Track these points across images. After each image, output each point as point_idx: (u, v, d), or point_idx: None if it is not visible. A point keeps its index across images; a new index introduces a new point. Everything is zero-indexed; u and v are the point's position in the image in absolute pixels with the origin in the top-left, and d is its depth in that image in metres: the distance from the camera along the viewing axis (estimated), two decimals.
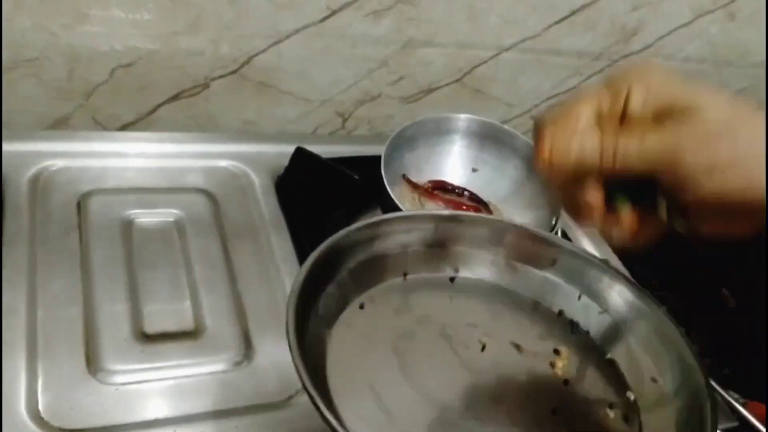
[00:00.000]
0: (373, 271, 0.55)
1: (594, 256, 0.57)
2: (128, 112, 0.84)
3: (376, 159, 0.79)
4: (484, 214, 0.59)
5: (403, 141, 0.73)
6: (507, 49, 0.93)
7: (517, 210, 0.77)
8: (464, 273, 0.58)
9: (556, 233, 0.68)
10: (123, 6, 0.76)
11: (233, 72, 0.84)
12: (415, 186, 0.77)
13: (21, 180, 0.69)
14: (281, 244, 0.71)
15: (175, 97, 0.84)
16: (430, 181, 0.78)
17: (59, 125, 0.82)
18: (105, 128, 0.84)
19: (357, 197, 0.76)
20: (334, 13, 0.82)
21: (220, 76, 0.84)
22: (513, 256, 0.59)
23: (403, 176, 0.77)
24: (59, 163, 0.72)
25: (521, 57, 0.94)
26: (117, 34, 0.77)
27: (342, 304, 0.52)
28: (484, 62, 0.93)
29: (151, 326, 0.60)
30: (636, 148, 0.39)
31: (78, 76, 0.79)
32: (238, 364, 0.60)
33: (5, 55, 0.75)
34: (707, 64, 1.04)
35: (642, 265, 0.95)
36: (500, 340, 0.54)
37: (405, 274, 0.57)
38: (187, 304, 0.63)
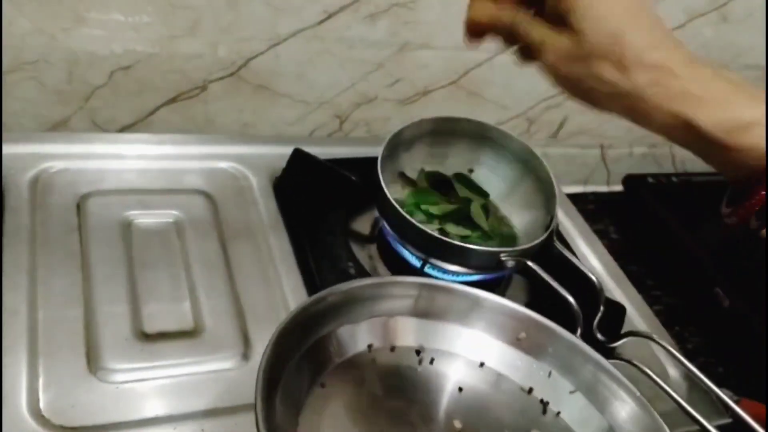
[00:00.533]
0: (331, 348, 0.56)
1: (592, 351, 0.58)
2: (127, 114, 0.84)
3: (373, 160, 0.80)
4: (470, 289, 0.60)
5: (400, 142, 0.73)
6: (502, 52, 0.94)
7: (514, 209, 0.77)
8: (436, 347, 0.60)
9: (552, 232, 0.69)
10: (122, 9, 0.76)
11: (231, 74, 0.85)
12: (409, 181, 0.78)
13: (21, 181, 0.70)
14: (279, 244, 0.72)
15: (173, 100, 0.85)
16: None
17: (59, 127, 0.83)
18: (104, 130, 0.85)
19: (354, 198, 0.77)
20: (331, 16, 0.83)
21: (218, 79, 0.85)
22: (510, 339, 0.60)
23: (400, 174, 0.77)
24: (59, 164, 0.72)
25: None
26: (116, 37, 0.78)
27: (305, 388, 0.53)
28: (480, 65, 0.94)
29: (151, 326, 0.61)
30: None
31: (77, 78, 0.80)
32: (236, 362, 0.61)
33: (6, 58, 0.76)
34: None
35: (637, 266, 0.96)
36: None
37: (370, 346, 0.58)
38: (187, 303, 0.64)
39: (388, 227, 0.69)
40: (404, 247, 0.69)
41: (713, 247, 0.96)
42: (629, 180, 1.06)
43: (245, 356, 0.61)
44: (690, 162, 1.20)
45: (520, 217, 0.77)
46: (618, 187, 1.08)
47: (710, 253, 0.94)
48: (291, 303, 0.66)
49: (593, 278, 0.68)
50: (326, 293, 0.55)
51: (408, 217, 0.66)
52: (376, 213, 0.77)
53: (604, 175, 1.15)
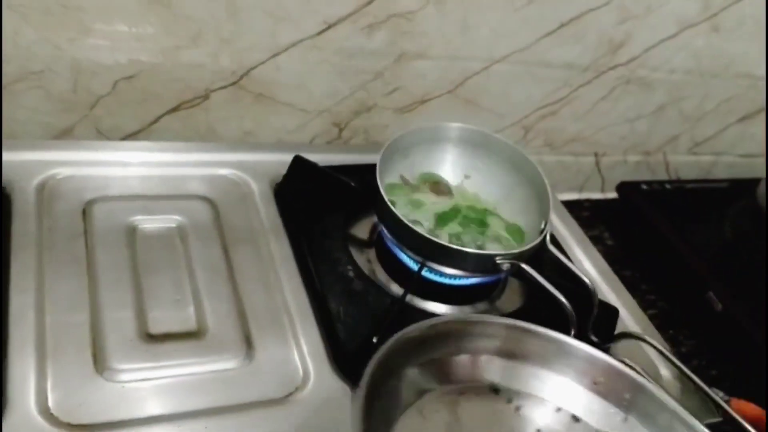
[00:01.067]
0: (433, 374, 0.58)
1: (669, 398, 0.59)
2: (130, 122, 0.86)
3: (371, 167, 0.82)
4: (555, 333, 0.61)
5: (398, 149, 0.75)
6: (498, 61, 0.96)
7: (509, 214, 0.79)
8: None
9: (545, 236, 0.71)
10: (127, 21, 0.78)
11: (233, 84, 0.86)
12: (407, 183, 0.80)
13: (28, 188, 0.71)
14: (280, 249, 0.73)
15: (175, 108, 0.86)
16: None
17: (63, 135, 0.84)
18: (108, 138, 0.86)
19: (353, 204, 0.78)
20: (330, 26, 0.85)
21: (220, 88, 0.86)
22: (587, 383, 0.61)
23: (401, 177, 0.79)
24: (65, 171, 0.74)
25: (512, 69, 0.97)
26: (120, 47, 0.80)
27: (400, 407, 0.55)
28: (476, 74, 0.96)
29: (156, 327, 0.62)
30: None
31: (82, 88, 0.82)
32: (239, 363, 0.62)
33: (12, 67, 0.78)
34: (692, 75, 1.07)
35: (631, 270, 0.98)
36: None
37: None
38: (190, 306, 0.65)
39: (386, 231, 0.71)
40: (402, 251, 0.71)
41: (706, 253, 0.97)
42: (623, 187, 1.08)
43: (247, 357, 0.63)
44: (683, 170, 1.22)
45: (515, 222, 0.79)
46: (612, 194, 1.10)
47: (703, 258, 0.95)
48: (292, 306, 0.68)
49: (586, 280, 0.69)
50: (428, 323, 0.58)
51: (405, 220, 0.67)
52: (374, 218, 0.79)
53: (598, 182, 1.16)
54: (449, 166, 0.81)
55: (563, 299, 0.66)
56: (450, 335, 0.59)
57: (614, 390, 0.61)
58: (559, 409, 0.61)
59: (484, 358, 0.61)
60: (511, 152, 0.79)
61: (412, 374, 0.57)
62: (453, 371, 0.60)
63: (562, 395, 0.61)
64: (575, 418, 0.61)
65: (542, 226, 0.72)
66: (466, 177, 0.80)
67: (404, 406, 0.56)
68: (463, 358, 0.60)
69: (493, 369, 0.61)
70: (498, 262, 0.67)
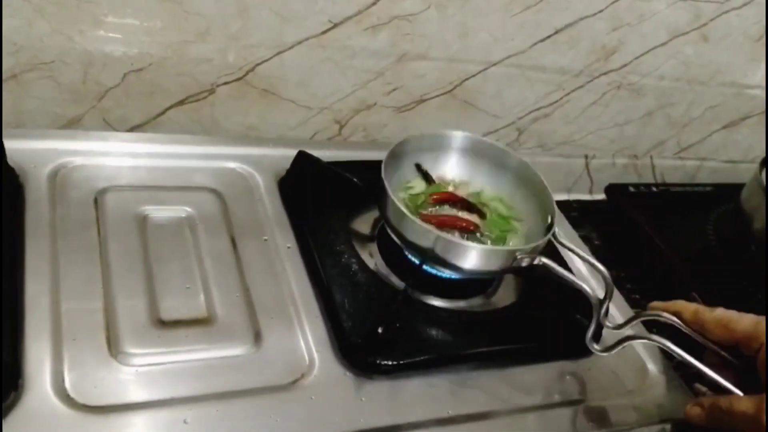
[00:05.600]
0: None
1: None
2: (137, 114, 0.88)
3: (370, 163, 0.84)
4: None
5: (403, 152, 0.78)
6: (495, 64, 0.99)
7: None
8: None
9: (554, 230, 0.74)
10: (138, 15, 0.80)
11: (238, 79, 0.88)
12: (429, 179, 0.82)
13: (41, 176, 0.73)
14: (285, 240, 0.76)
15: (182, 102, 0.88)
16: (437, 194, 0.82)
17: (71, 125, 0.86)
18: (114, 129, 0.88)
19: (355, 198, 0.81)
20: (335, 26, 0.87)
21: (226, 83, 0.88)
22: None
23: (417, 165, 0.82)
24: (76, 160, 0.76)
25: (508, 72, 1.00)
26: (131, 40, 0.81)
27: None
28: (473, 76, 0.99)
29: (167, 314, 0.65)
30: None
31: (92, 79, 0.83)
32: (247, 350, 0.64)
33: (24, 57, 0.79)
34: (681, 82, 1.10)
35: (617, 270, 1.01)
36: None
37: None
38: (200, 294, 0.67)
39: (393, 230, 0.73)
40: (408, 250, 0.73)
41: (690, 254, 1.01)
42: (611, 189, 1.11)
43: (255, 344, 0.65)
44: (668, 174, 1.25)
45: (518, 224, 0.82)
46: (600, 196, 1.13)
47: (687, 259, 0.98)
48: (297, 296, 0.70)
49: (601, 268, 0.71)
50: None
51: (417, 221, 0.70)
52: (376, 214, 0.81)
53: (587, 184, 1.20)
54: (451, 171, 0.84)
55: (586, 287, 0.68)
56: None
57: None
58: None
59: None
60: (509, 158, 0.83)
61: None
62: None
63: None
64: None
65: (549, 220, 0.75)
66: (466, 183, 0.83)
67: None
68: None
69: None
70: (519, 257, 0.69)
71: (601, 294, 0.70)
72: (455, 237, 0.73)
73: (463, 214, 0.79)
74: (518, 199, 0.82)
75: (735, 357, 0.63)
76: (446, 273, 0.72)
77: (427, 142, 0.82)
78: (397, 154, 0.77)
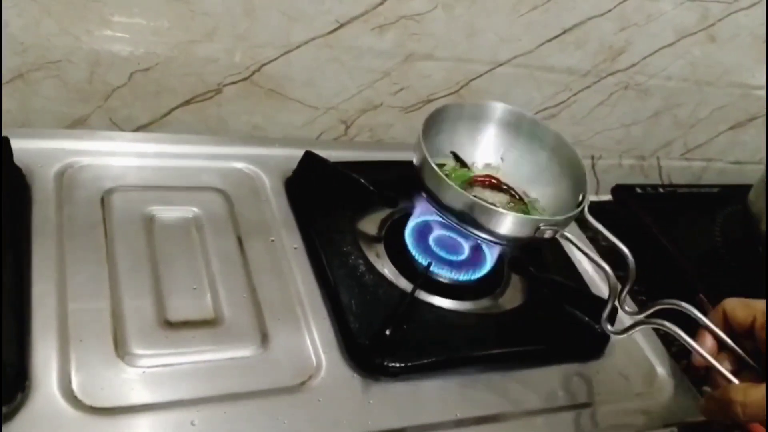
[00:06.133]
0: None
1: None
2: (144, 114, 0.88)
3: (377, 164, 0.84)
4: None
5: (437, 121, 0.77)
6: (502, 64, 0.98)
7: (541, 193, 0.82)
8: None
9: (584, 207, 0.73)
10: (145, 14, 0.80)
11: (245, 79, 0.88)
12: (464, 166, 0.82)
13: (47, 176, 0.73)
14: (292, 242, 0.76)
15: (188, 101, 0.88)
16: (487, 176, 0.82)
17: (78, 125, 0.86)
18: (121, 129, 0.88)
19: (361, 198, 0.81)
20: (342, 26, 0.87)
21: (233, 83, 0.88)
22: None
23: (453, 153, 0.82)
24: (83, 160, 0.76)
25: (515, 72, 1.00)
26: (138, 40, 0.81)
27: None
28: (480, 76, 0.99)
29: (174, 315, 0.64)
30: None
31: (98, 78, 0.83)
32: (254, 351, 0.64)
33: (31, 57, 0.79)
34: (688, 83, 1.10)
35: (624, 271, 1.01)
36: None
37: None
38: (207, 295, 0.67)
39: (427, 194, 0.72)
40: (441, 212, 0.72)
41: (697, 256, 1.00)
42: (618, 190, 1.10)
43: (262, 346, 0.65)
44: (675, 174, 1.25)
45: (547, 200, 0.81)
46: (607, 197, 1.12)
47: (694, 261, 0.98)
48: (304, 297, 0.70)
49: (625, 250, 0.70)
50: None
51: (448, 180, 0.69)
52: (383, 214, 0.81)
53: (593, 185, 1.19)
54: (484, 145, 0.83)
55: (607, 267, 0.67)
56: None
57: None
58: None
59: None
60: (544, 132, 0.82)
61: None
62: None
63: None
64: None
65: (579, 198, 0.74)
66: (502, 159, 0.83)
67: None
68: None
69: None
70: (542, 227, 0.68)
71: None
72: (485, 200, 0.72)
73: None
74: (549, 176, 0.81)
75: (751, 354, 0.62)
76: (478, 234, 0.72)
77: (465, 111, 0.81)
78: (435, 121, 0.76)
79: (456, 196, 0.69)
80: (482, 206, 0.69)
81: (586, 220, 0.74)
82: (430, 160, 0.70)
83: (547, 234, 0.69)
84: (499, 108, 0.82)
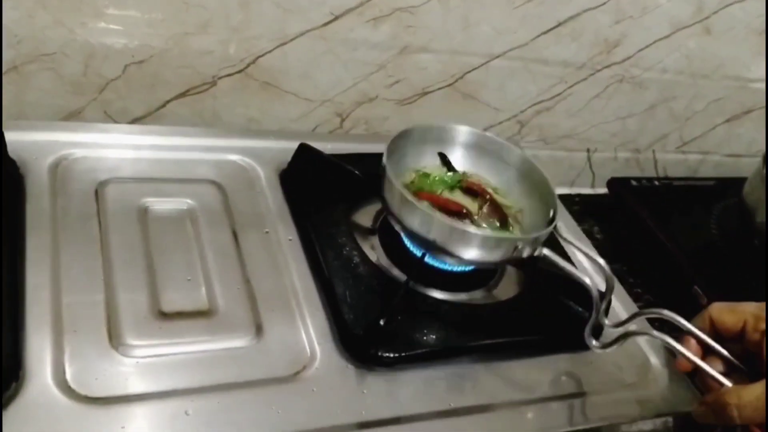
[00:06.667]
0: None
1: None
2: (138, 106, 0.88)
3: (372, 156, 0.84)
4: None
5: (406, 143, 0.77)
6: (497, 57, 0.98)
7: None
8: None
9: (555, 224, 0.73)
10: (139, 6, 0.80)
11: (240, 71, 0.88)
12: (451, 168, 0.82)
13: (41, 168, 0.73)
14: (287, 233, 0.76)
15: (183, 94, 0.88)
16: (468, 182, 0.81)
17: (72, 117, 0.86)
18: (115, 121, 0.88)
19: (357, 192, 0.81)
20: (336, 18, 0.87)
21: (227, 75, 0.88)
22: None
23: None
24: (77, 152, 0.76)
25: (510, 65, 1.00)
26: (132, 32, 0.81)
27: None
28: (475, 69, 0.99)
29: (168, 306, 0.64)
30: None
31: (93, 71, 0.83)
32: (248, 342, 0.64)
33: (26, 49, 0.79)
34: (684, 75, 1.10)
35: (619, 264, 1.01)
36: None
37: None
38: (201, 286, 0.67)
39: (395, 217, 0.72)
40: (410, 238, 0.73)
41: (692, 248, 1.00)
42: (613, 183, 1.10)
43: (256, 336, 0.65)
44: (671, 167, 1.25)
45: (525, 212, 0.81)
46: (602, 190, 1.13)
47: (689, 253, 0.98)
48: (299, 288, 0.70)
49: (602, 262, 0.71)
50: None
51: (418, 204, 0.68)
52: (377, 206, 0.81)
53: (589, 178, 1.19)
54: (457, 164, 0.83)
55: (587, 280, 0.67)
56: None
57: None
58: None
59: None
60: (509, 153, 0.82)
61: None
62: None
63: None
64: None
65: (551, 214, 0.74)
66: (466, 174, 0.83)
67: None
68: None
69: None
70: (519, 247, 0.69)
71: (602, 288, 0.70)
72: (455, 222, 0.71)
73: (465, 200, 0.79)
74: (519, 194, 0.81)
75: (738, 357, 0.62)
76: (447, 262, 0.72)
77: (430, 134, 0.81)
78: (400, 146, 0.76)
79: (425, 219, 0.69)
80: (458, 231, 0.69)
81: (561, 237, 0.75)
82: (396, 182, 0.70)
83: (525, 253, 0.70)
84: (462, 131, 0.82)
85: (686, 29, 1.04)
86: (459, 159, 0.83)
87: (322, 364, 0.64)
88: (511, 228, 0.78)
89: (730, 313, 0.62)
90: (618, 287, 0.85)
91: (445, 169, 0.82)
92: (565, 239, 0.76)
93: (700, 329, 0.63)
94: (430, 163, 0.82)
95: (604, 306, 0.68)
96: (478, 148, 0.83)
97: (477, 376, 0.68)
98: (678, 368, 0.64)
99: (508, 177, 0.83)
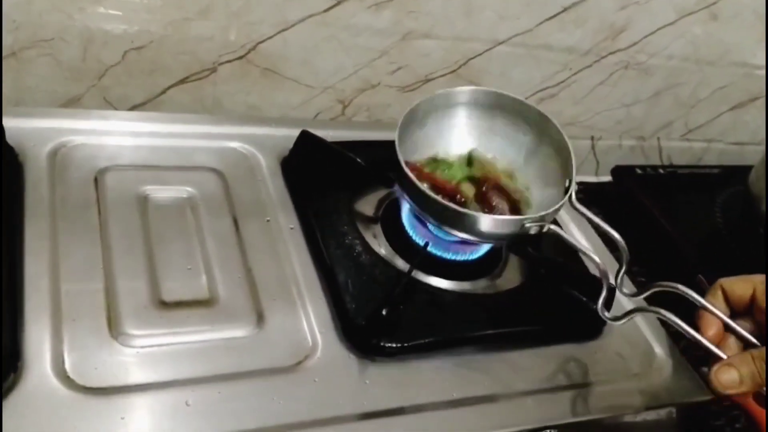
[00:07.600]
0: None
1: None
2: (138, 93, 0.87)
3: (375, 143, 0.83)
4: None
5: (414, 118, 0.74)
6: (501, 43, 0.97)
7: (531, 177, 0.79)
8: None
9: (570, 196, 0.71)
10: None
11: (240, 57, 0.87)
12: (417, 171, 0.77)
13: (40, 155, 0.72)
14: (288, 221, 0.75)
15: (183, 80, 0.87)
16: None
17: (71, 104, 0.85)
18: (115, 108, 0.87)
19: (358, 178, 0.80)
20: (338, 3, 0.86)
21: (228, 61, 0.87)
22: None
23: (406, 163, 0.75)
24: (76, 139, 0.75)
25: (514, 51, 0.99)
26: (131, 18, 0.80)
27: None
28: (479, 55, 0.98)
29: (169, 295, 0.64)
30: None
31: (92, 57, 0.82)
32: (249, 331, 0.63)
33: (24, 35, 0.78)
34: (689, 62, 1.09)
35: (617, 255, 1.00)
36: None
37: None
38: (202, 275, 0.66)
39: (407, 198, 0.70)
40: (422, 218, 0.71)
41: (696, 237, 1.00)
42: (618, 171, 1.09)
43: (258, 326, 0.64)
44: (676, 155, 1.24)
45: (537, 185, 0.78)
46: (607, 178, 1.12)
47: (693, 242, 0.98)
48: (300, 277, 0.69)
49: (616, 235, 0.69)
50: None
51: (427, 191, 0.68)
52: (380, 194, 0.80)
53: (593, 166, 1.19)
54: (469, 131, 0.80)
55: (596, 257, 0.66)
56: None
57: None
58: None
59: None
60: (530, 112, 0.78)
61: None
62: None
63: None
64: None
65: (566, 184, 0.72)
66: (479, 145, 0.80)
67: None
68: None
69: None
70: (527, 225, 0.67)
71: (610, 265, 0.68)
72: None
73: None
74: (538, 160, 0.78)
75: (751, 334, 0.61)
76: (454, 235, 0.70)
77: (439, 101, 0.77)
78: (409, 122, 0.73)
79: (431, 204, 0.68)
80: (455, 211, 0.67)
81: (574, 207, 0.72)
82: (405, 168, 0.69)
83: (533, 230, 0.67)
84: (477, 91, 0.78)
85: (692, 15, 1.02)
86: (472, 119, 0.80)
87: (324, 354, 0.64)
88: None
89: (741, 282, 0.62)
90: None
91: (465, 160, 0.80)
92: (578, 210, 0.72)
93: (713, 303, 0.62)
94: (437, 135, 0.79)
95: (620, 275, 0.67)
96: (493, 108, 0.79)
97: (480, 366, 0.67)
98: (701, 326, 0.62)
99: (524, 139, 0.79)
